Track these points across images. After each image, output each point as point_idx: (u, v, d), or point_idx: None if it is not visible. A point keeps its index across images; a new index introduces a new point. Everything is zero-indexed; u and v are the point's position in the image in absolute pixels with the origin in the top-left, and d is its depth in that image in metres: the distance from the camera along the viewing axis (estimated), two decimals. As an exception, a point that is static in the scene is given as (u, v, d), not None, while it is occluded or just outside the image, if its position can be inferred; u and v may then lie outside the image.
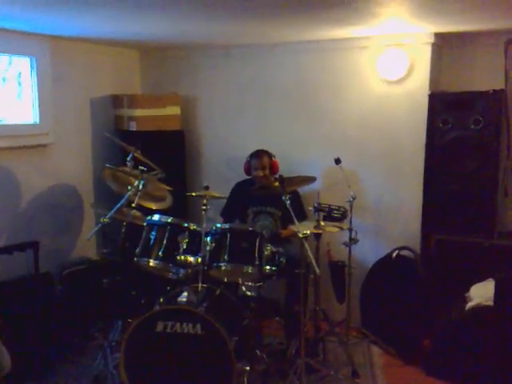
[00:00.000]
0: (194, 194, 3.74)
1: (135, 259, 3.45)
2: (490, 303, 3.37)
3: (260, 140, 4.66)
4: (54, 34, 4.08)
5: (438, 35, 4.08)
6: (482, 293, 3.53)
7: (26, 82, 4.15)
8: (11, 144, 3.97)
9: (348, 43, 4.36)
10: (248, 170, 4.34)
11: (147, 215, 3.62)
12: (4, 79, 4.06)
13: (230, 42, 4.66)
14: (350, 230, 3.80)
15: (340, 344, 3.95)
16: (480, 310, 3.44)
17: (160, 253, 3.40)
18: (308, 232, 3.33)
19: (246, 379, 3.29)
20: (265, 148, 4.35)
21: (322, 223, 3.59)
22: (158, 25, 3.72)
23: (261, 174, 4.19)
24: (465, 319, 3.51)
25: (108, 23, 3.66)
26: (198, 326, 3.09)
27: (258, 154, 4.26)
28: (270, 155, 4.29)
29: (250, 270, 3.37)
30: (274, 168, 4.25)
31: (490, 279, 3.55)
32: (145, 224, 3.55)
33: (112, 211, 3.48)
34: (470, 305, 3.53)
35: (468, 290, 3.65)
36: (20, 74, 4.14)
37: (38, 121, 4.20)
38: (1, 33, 3.78)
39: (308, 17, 3.43)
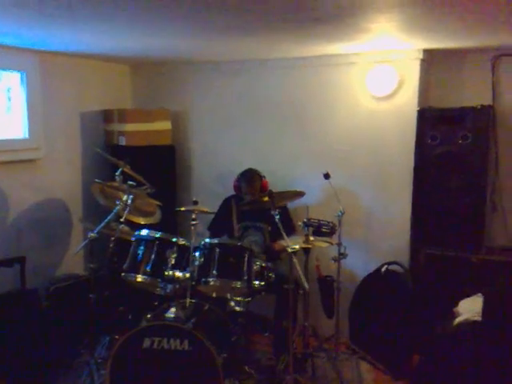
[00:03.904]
0: (183, 208, 3.74)
1: (123, 274, 3.42)
2: (479, 318, 3.36)
3: (250, 155, 4.68)
4: (44, 49, 4.09)
5: (426, 51, 4.12)
6: (470, 308, 3.52)
7: (15, 97, 4.16)
8: (0, 159, 3.96)
9: (337, 59, 4.39)
10: (238, 189, 4.33)
11: (136, 230, 3.60)
12: (-7, 94, 4.07)
13: (220, 57, 4.68)
14: (339, 244, 3.81)
15: (329, 360, 3.92)
16: (468, 325, 3.43)
17: (148, 268, 3.38)
18: (297, 247, 3.33)
19: (234, 395, 3.27)
20: (254, 163, 4.36)
21: (311, 238, 3.59)
22: (149, 40, 3.74)
23: (251, 199, 4.17)
24: (453, 334, 3.49)
25: (99, 38, 3.67)
26: (186, 342, 3.07)
27: (249, 179, 4.24)
28: (260, 177, 4.28)
29: (238, 285, 3.35)
30: (263, 189, 4.25)
31: (479, 294, 3.55)
32: (133, 239, 3.53)
33: (100, 226, 3.47)
34: (458, 320, 3.51)
35: (456, 304, 3.64)
36: (9, 88, 4.14)
37: (27, 136, 4.20)
38: (-10, 48, 3.80)
39: (298, 33, 3.45)
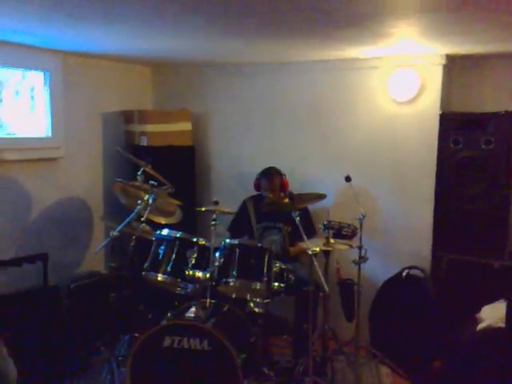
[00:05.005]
0: (203, 208, 3.75)
1: (143, 273, 3.43)
2: (502, 324, 3.32)
3: (270, 156, 4.67)
4: (68, 49, 4.12)
5: (449, 56, 4.10)
6: (493, 314, 3.48)
7: (38, 96, 4.19)
8: (23, 157, 3.99)
9: (359, 63, 4.39)
10: (258, 187, 4.34)
11: (156, 230, 3.61)
12: (17, 93, 4.10)
13: (241, 59, 4.69)
14: (360, 247, 3.78)
15: (348, 363, 3.90)
16: (491, 331, 3.38)
17: (168, 267, 3.39)
18: (317, 249, 3.32)
19: (252, 397, 3.26)
20: (274, 164, 4.36)
21: (332, 241, 3.57)
22: (171, 42, 3.75)
23: (271, 196, 4.18)
24: (476, 340, 3.45)
25: (121, 40, 3.70)
26: (206, 341, 3.06)
27: (269, 176, 4.25)
28: (280, 174, 4.29)
29: (258, 286, 3.35)
30: (284, 187, 4.25)
31: (502, 300, 3.50)
32: (154, 238, 3.55)
33: (121, 225, 3.48)
34: (481, 326, 3.47)
35: (479, 310, 3.61)
36: (33, 88, 4.18)
37: (49, 134, 4.23)
38: (16, 47, 3.83)
39: (320, 36, 3.45)
